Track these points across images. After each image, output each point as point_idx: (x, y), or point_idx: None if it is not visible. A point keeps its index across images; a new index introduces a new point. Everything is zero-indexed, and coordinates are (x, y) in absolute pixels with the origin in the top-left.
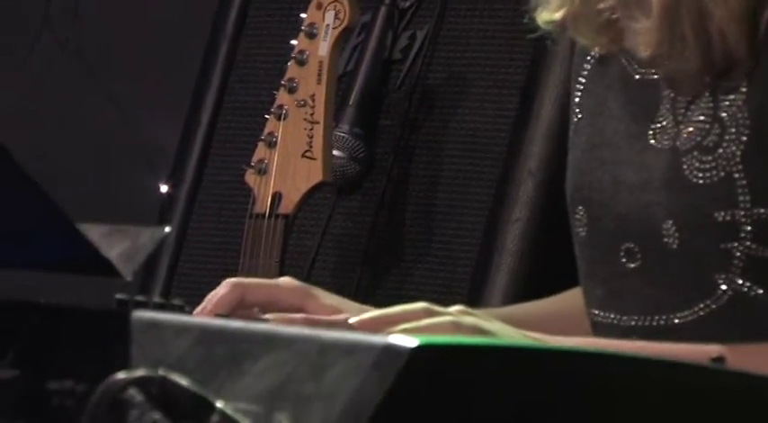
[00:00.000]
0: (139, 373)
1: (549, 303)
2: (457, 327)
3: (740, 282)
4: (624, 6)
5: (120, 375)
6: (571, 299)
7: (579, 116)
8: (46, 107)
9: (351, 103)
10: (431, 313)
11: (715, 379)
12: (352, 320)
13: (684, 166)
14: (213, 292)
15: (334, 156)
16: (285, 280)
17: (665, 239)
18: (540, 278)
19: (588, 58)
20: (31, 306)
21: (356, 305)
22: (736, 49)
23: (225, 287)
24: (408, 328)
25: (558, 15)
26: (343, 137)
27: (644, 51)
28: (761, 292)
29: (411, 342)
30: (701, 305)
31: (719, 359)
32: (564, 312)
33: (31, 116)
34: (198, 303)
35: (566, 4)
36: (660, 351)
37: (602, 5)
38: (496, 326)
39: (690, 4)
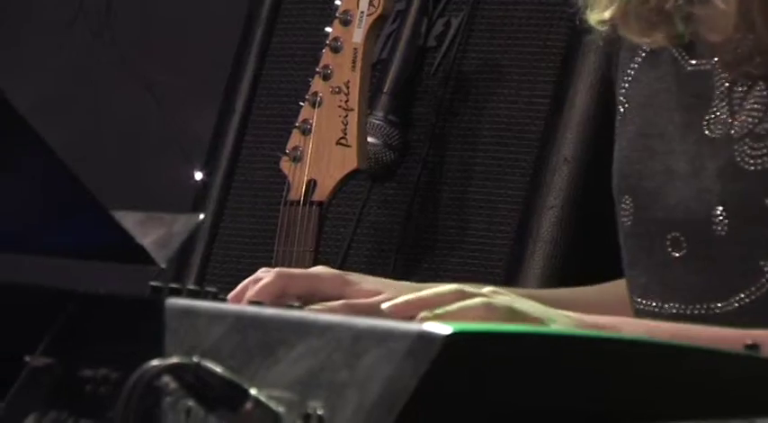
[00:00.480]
0: (173, 360)
1: (591, 291)
2: (489, 308)
3: None
4: None
5: (154, 362)
6: (614, 287)
7: (626, 106)
8: (81, 95)
9: (385, 90)
10: (463, 295)
11: (749, 366)
12: (384, 306)
13: (736, 153)
14: (252, 278)
15: (368, 143)
16: (322, 269)
17: (714, 227)
18: (574, 265)
19: (640, 51)
20: (65, 293)
21: (395, 283)
22: None
23: (270, 276)
24: (441, 313)
25: (607, 14)
26: (378, 124)
27: (717, 37)
28: None
29: (445, 329)
30: (744, 293)
31: (754, 346)
32: (606, 301)
33: (66, 104)
34: (232, 291)
35: (615, 2)
36: (698, 334)
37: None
38: (528, 304)
39: None
